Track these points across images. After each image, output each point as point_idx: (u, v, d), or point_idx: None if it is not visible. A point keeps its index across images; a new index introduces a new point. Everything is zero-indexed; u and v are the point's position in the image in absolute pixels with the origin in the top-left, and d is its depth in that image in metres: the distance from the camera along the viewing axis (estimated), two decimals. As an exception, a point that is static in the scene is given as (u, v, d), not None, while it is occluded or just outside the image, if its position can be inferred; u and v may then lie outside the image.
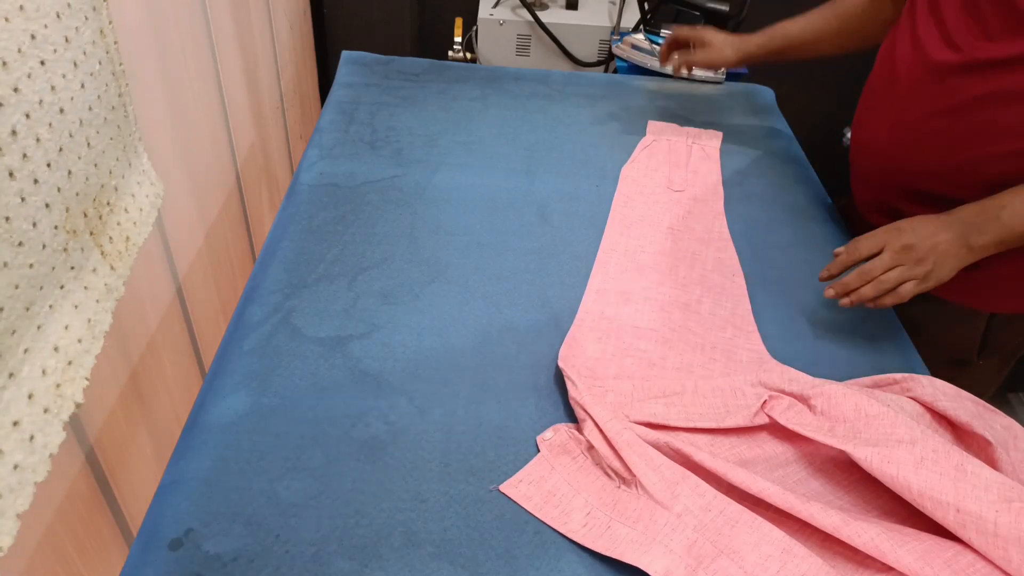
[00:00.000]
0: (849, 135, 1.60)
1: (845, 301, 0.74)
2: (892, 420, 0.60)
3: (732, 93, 1.25)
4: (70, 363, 0.50)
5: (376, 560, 0.55)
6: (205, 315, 0.99)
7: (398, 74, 1.20)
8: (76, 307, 0.52)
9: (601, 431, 0.63)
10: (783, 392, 0.67)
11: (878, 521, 0.54)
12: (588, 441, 0.63)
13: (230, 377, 0.68)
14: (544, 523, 0.58)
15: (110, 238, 0.57)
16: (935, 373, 0.72)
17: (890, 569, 0.52)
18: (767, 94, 1.26)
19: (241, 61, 1.11)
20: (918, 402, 0.67)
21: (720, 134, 1.11)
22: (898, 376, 0.70)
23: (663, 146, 1.08)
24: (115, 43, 0.58)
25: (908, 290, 0.71)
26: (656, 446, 0.61)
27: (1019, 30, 0.70)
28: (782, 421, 0.63)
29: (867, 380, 0.71)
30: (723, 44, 1.03)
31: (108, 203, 0.57)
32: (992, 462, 0.61)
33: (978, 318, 0.87)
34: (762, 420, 0.65)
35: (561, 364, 0.70)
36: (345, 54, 1.24)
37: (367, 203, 0.91)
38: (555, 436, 0.65)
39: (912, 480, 0.54)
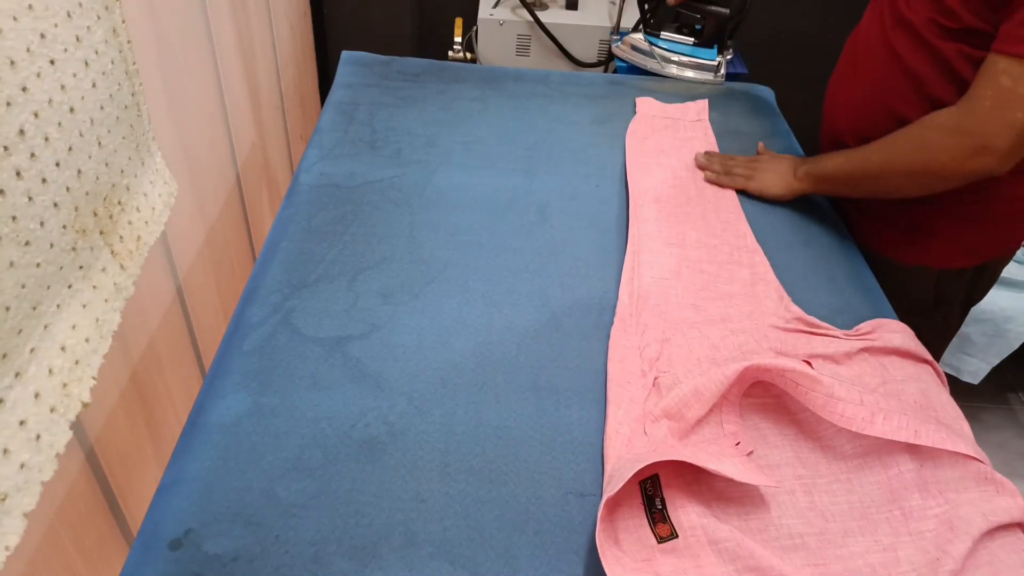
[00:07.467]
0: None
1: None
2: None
3: (732, 93, 1.25)
4: (77, 363, 0.50)
5: (376, 560, 0.55)
6: (205, 315, 0.99)
7: (398, 74, 1.20)
8: (84, 306, 0.52)
9: None
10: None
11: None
12: None
13: (230, 377, 0.68)
14: (545, 524, 0.58)
15: (121, 237, 0.57)
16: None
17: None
18: (767, 94, 1.26)
19: (241, 61, 1.11)
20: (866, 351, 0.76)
21: (705, 101, 1.17)
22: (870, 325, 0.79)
23: (658, 125, 1.13)
24: (128, 42, 0.58)
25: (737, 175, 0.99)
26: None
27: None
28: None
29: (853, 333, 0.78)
30: (778, 176, 0.98)
31: (119, 202, 0.57)
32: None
33: (929, 274, 0.98)
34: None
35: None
36: (345, 54, 1.24)
37: (367, 203, 0.91)
38: None
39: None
